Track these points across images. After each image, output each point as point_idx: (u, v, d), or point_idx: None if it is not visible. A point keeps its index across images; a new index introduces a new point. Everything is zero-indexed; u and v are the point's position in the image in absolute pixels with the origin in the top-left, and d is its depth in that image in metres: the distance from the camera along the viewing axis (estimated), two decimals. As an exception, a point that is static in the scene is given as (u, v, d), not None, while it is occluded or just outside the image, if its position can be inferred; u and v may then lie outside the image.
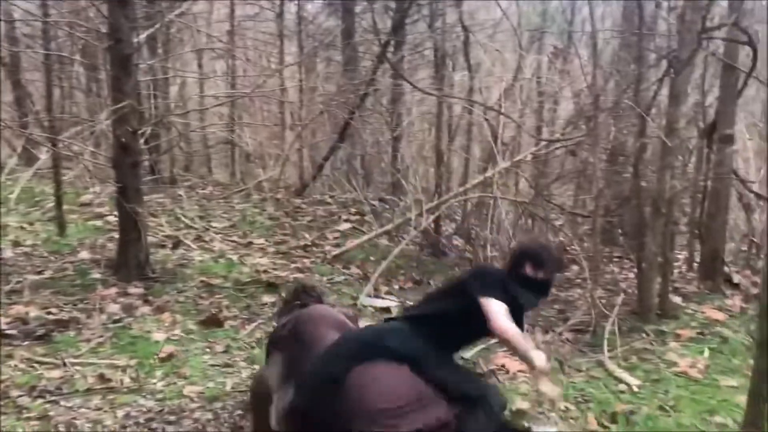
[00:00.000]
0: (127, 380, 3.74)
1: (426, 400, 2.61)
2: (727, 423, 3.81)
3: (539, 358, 2.75)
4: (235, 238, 6.84)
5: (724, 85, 6.18)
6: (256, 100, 9.94)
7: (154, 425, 3.26)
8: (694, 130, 6.97)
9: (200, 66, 10.38)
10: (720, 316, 5.72)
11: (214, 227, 7.12)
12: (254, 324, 4.81)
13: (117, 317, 4.61)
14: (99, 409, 3.40)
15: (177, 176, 8.92)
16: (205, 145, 10.94)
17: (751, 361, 3.84)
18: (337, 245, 6.98)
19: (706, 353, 5.00)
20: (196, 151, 10.64)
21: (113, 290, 5.03)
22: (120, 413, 3.35)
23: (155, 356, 4.09)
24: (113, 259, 5.44)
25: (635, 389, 4.30)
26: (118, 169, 5.25)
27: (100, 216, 6.90)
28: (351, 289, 5.79)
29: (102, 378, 3.72)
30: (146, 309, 4.85)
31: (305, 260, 6.42)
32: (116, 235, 5.52)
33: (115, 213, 5.66)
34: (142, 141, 6.02)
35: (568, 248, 7.36)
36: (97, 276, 5.22)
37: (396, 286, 6.12)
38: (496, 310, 2.78)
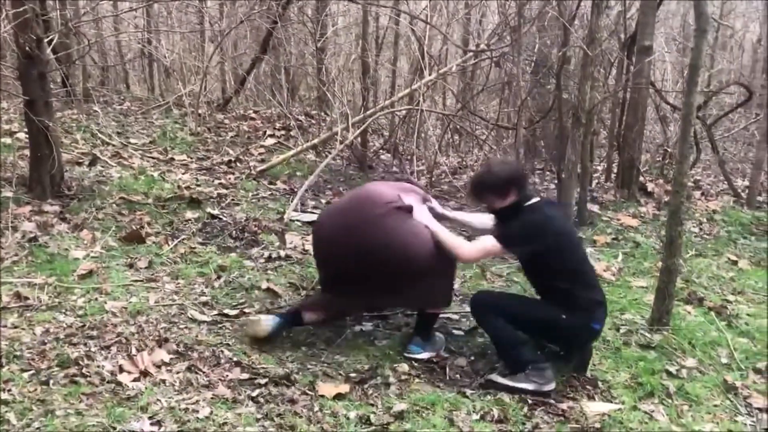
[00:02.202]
0: (45, 298, 3.64)
1: None
2: (636, 319, 4.05)
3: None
4: (155, 155, 6.63)
5: (644, -5, 6.24)
6: (173, 11, 9.45)
7: (75, 341, 3.20)
8: (615, 42, 7.07)
9: (112, -28, 9.74)
10: (634, 222, 6.01)
11: (133, 143, 6.87)
12: (178, 240, 4.73)
13: (32, 235, 4.43)
14: (16, 327, 3.31)
15: (92, 91, 8.48)
16: (122, 58, 10.40)
17: (660, 263, 4.07)
18: (263, 161, 6.87)
19: (620, 257, 5.26)
20: (112, 65, 10.11)
21: (27, 208, 4.82)
22: (38, 330, 3.27)
23: (74, 273, 3.98)
24: (26, 177, 5.19)
25: (552, 292, 4.50)
26: (24, 80, 4.94)
27: (10, 133, 6.52)
28: (277, 204, 5.75)
29: (18, 296, 3.61)
30: (63, 227, 4.68)
31: (230, 176, 6.31)
32: (28, 153, 5.25)
33: (25, 129, 5.36)
34: (49, 50, 5.66)
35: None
36: (9, 194, 4.98)
37: (323, 201, 6.11)
38: None
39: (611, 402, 3.22)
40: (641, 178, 6.91)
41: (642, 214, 6.27)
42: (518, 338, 3.32)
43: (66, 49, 6.86)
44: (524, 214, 3.32)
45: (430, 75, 6.94)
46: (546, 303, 3.42)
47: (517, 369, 3.24)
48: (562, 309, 3.28)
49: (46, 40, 5.11)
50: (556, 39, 6.45)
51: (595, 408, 3.14)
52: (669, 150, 7.36)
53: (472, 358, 3.56)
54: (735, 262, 5.35)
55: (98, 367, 2.99)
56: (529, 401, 3.12)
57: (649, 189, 6.92)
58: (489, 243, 3.29)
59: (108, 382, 2.89)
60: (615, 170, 7.16)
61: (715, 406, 3.25)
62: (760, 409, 3.24)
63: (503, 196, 3.35)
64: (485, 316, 3.36)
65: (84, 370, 2.94)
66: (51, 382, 2.84)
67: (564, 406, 3.13)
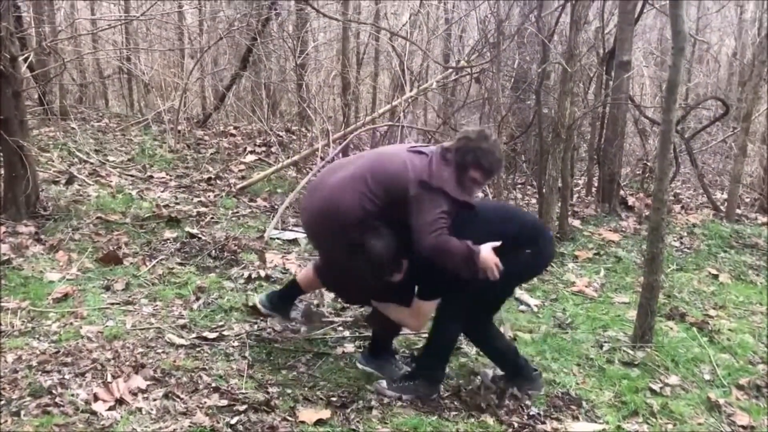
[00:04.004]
0: (18, 323, 3.56)
1: None
2: (619, 336, 4.04)
3: None
4: (133, 172, 6.55)
5: (622, 11, 6.30)
6: (152, 28, 9.40)
7: (48, 368, 3.11)
8: (594, 58, 7.12)
9: (90, -11, 9.70)
10: (615, 237, 6.02)
11: (111, 161, 6.79)
12: (156, 260, 4.65)
13: (6, 258, 4.34)
14: (-13, 354, 3.23)
15: (69, 108, 8.38)
16: (100, 75, 10.31)
17: (642, 279, 4.06)
18: (243, 177, 6.82)
19: (602, 272, 5.26)
20: (90, 81, 10.02)
21: (1, 230, 4.73)
22: (10, 357, 3.18)
23: (49, 297, 3.90)
24: (-1, 197, 5.11)
25: (535, 309, 4.49)
26: (-2, 100, 4.87)
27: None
28: (258, 222, 5.69)
29: (-10, 322, 3.53)
30: (38, 248, 4.60)
31: (209, 193, 6.24)
32: (2, 172, 5.16)
33: (-1, 148, 5.28)
34: (25, 69, 5.59)
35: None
36: (-18, 216, 4.89)
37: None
38: None
39: (595, 422, 3.19)
40: (622, 192, 6.94)
41: (623, 229, 6.29)
42: (449, 354, 3.35)
43: (43, 66, 6.78)
44: None
45: (410, 91, 6.94)
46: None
47: (414, 379, 3.28)
48: (519, 249, 3.12)
49: (21, 58, 5.05)
50: (536, 55, 6.49)
51: (579, 429, 3.11)
52: (649, 164, 7.40)
53: (454, 378, 3.51)
54: (716, 276, 5.37)
55: (72, 395, 2.91)
56: (515, 425, 3.08)
57: (630, 203, 6.95)
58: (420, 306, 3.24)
59: (82, 412, 2.81)
60: (595, 185, 7.18)
61: (699, 424, 3.24)
62: (743, 427, 3.23)
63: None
64: (444, 320, 3.25)
65: (57, 399, 2.86)
66: (22, 412, 2.75)
67: (548, 427, 3.09)
